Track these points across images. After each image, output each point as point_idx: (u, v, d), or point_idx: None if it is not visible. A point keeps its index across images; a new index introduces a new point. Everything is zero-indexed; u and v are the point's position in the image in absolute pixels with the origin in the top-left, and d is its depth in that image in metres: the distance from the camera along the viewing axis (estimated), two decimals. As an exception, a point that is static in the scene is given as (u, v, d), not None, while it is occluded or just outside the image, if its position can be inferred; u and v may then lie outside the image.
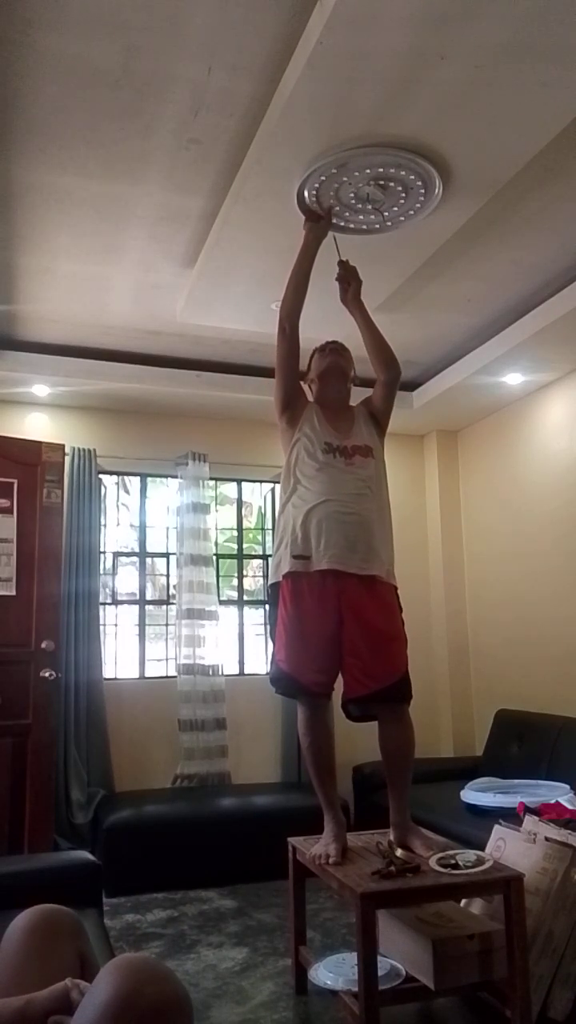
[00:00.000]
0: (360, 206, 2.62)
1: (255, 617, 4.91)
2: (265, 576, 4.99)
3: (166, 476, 4.79)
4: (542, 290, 3.53)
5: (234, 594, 4.99)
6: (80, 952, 1.38)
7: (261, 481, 5.04)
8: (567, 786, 3.38)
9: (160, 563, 4.97)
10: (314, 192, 2.53)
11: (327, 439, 2.55)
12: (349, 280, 2.72)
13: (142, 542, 4.79)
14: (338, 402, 2.69)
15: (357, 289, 2.72)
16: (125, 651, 4.66)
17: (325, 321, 2.81)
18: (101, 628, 4.38)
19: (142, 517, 4.82)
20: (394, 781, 2.49)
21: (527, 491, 4.48)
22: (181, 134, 2.47)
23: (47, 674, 3.78)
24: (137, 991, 1.03)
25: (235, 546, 5.08)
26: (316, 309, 2.65)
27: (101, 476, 4.57)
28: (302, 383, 2.73)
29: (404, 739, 2.47)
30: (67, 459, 4.24)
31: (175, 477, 4.70)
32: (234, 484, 5.07)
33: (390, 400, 2.74)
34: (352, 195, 2.56)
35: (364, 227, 2.74)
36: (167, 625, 4.77)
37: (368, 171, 2.43)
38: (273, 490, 4.88)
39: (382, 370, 2.70)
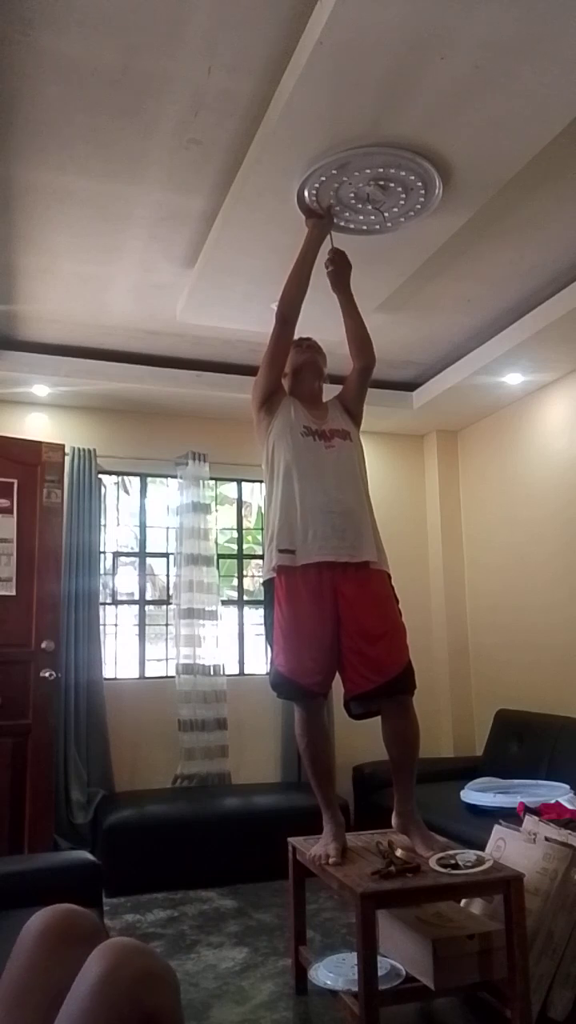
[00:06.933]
0: (360, 206, 2.62)
1: (255, 617, 4.90)
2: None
3: (166, 476, 4.79)
4: (542, 290, 3.53)
5: (234, 594, 4.99)
6: None
7: (261, 481, 5.03)
8: (567, 786, 3.38)
9: (160, 563, 4.97)
10: (314, 192, 2.53)
11: (305, 423, 2.57)
12: (340, 266, 2.71)
13: (142, 542, 4.79)
14: (311, 397, 2.71)
15: (347, 275, 2.72)
16: (125, 651, 4.66)
17: (325, 321, 2.81)
18: (101, 628, 4.38)
19: (142, 517, 4.81)
20: (399, 772, 2.49)
21: (527, 491, 4.48)
22: (181, 134, 2.47)
23: (47, 674, 3.78)
24: (121, 964, 1.13)
25: (235, 546, 5.08)
26: (316, 309, 2.65)
27: (101, 476, 4.57)
28: None
29: (410, 731, 2.47)
30: (67, 459, 4.24)
31: (175, 477, 4.70)
32: (234, 484, 5.07)
33: (363, 389, 2.74)
34: (352, 195, 2.56)
35: (364, 227, 2.74)
36: (167, 625, 4.77)
37: (368, 171, 2.43)
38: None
39: (358, 356, 2.72)
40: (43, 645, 3.81)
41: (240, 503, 5.14)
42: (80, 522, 4.32)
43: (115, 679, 4.51)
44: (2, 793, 3.60)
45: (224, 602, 4.78)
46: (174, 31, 2.06)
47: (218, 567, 4.71)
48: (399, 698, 2.44)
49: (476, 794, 3.51)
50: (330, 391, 2.80)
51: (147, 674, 4.61)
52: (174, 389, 4.34)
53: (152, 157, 2.58)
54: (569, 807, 2.93)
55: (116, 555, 4.77)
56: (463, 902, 2.46)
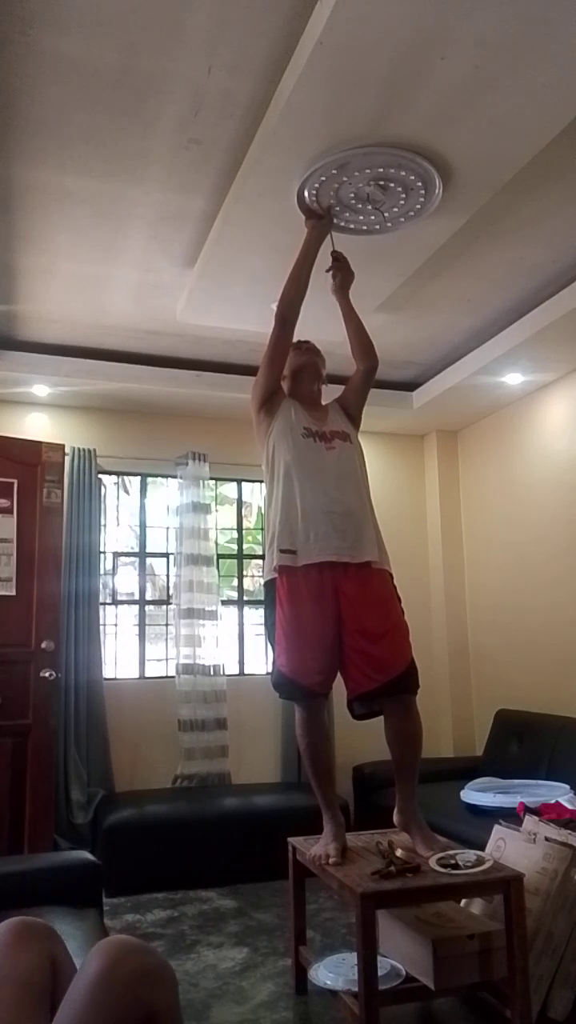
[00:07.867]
0: (360, 206, 2.62)
1: (255, 617, 4.91)
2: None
3: (166, 476, 4.79)
4: (542, 290, 3.53)
5: (234, 594, 4.99)
6: (51, 954, 1.39)
7: (261, 481, 5.03)
8: (567, 786, 3.38)
9: (160, 563, 4.96)
10: (314, 192, 2.53)
11: (305, 424, 2.57)
12: (340, 272, 2.73)
13: (142, 542, 4.79)
14: (311, 399, 2.71)
15: (348, 281, 2.74)
16: (125, 651, 4.66)
17: (326, 320, 2.81)
18: (101, 628, 4.38)
19: (142, 517, 4.81)
20: (402, 771, 2.49)
21: (527, 491, 4.48)
22: (181, 134, 2.47)
23: (47, 674, 3.78)
24: (121, 960, 1.18)
25: (235, 546, 5.08)
26: (316, 308, 2.65)
27: (101, 476, 4.57)
28: None
29: (413, 731, 2.46)
30: (67, 459, 4.24)
31: (175, 477, 4.70)
32: (234, 484, 5.07)
33: (364, 391, 2.75)
34: (352, 195, 2.56)
35: (364, 227, 2.74)
36: (167, 625, 4.77)
37: (368, 171, 2.43)
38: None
39: (361, 358, 2.73)
40: (43, 645, 3.81)
41: (240, 503, 5.14)
42: (80, 522, 4.32)
43: (115, 679, 4.51)
44: (2, 793, 3.60)
45: (224, 602, 4.78)
46: (174, 31, 2.06)
47: (218, 567, 4.71)
48: (402, 697, 2.43)
49: (476, 794, 3.51)
50: (330, 392, 2.81)
51: (147, 674, 4.61)
52: (174, 389, 4.34)
53: (152, 157, 2.58)
54: (569, 807, 2.93)
55: (116, 555, 4.77)
56: (463, 902, 2.46)
